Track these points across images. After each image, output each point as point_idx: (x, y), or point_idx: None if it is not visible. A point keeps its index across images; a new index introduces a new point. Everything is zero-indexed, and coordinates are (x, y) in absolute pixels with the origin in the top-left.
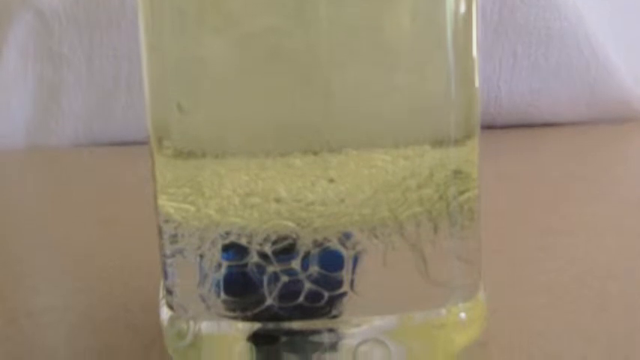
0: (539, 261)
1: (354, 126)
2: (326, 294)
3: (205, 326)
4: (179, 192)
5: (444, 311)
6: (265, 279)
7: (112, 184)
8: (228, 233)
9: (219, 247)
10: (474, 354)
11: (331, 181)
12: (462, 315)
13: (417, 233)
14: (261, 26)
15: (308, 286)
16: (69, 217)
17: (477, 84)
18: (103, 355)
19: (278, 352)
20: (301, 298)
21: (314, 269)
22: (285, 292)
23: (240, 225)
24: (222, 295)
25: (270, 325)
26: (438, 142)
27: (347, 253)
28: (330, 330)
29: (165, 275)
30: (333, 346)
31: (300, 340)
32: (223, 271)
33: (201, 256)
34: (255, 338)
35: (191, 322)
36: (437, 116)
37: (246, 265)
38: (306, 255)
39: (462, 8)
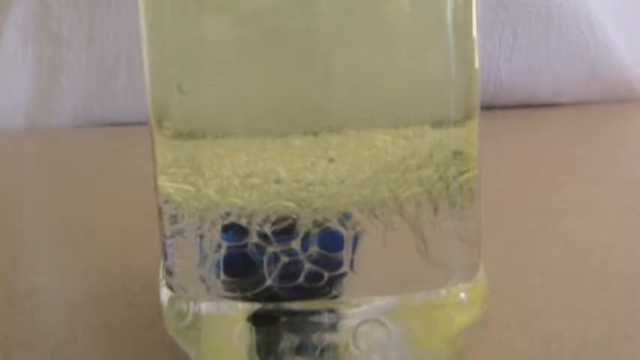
0: (539, 241)
1: (354, 106)
2: (326, 274)
3: (205, 307)
4: (179, 172)
5: (443, 292)
6: (265, 259)
7: (111, 165)
8: (228, 214)
9: (219, 227)
10: (473, 334)
11: (331, 161)
12: (462, 295)
13: (417, 213)
14: (262, 6)
15: (308, 266)
16: (69, 197)
17: (476, 64)
18: (103, 335)
19: (278, 332)
20: (301, 279)
21: (314, 249)
22: (284, 273)
23: (240, 205)
24: (222, 276)
25: (270, 306)
26: (438, 123)
27: (347, 234)
28: (330, 310)
29: (165, 256)
30: (333, 327)
31: (300, 321)
32: (223, 251)
33: (201, 237)
34: (255, 319)
35: (191, 303)
36: (437, 96)
37: (246, 245)
38: (306, 235)
39: None
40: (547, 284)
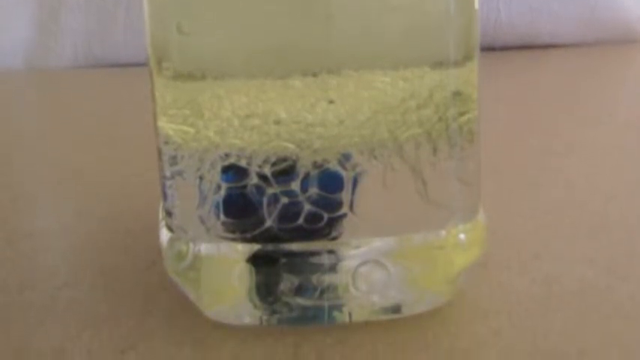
0: (538, 183)
1: (354, 47)
2: (325, 215)
3: (205, 248)
4: (179, 114)
5: (443, 233)
6: (265, 200)
7: (111, 106)
8: (227, 155)
9: (219, 168)
10: (473, 275)
11: (331, 102)
12: (462, 236)
13: (417, 154)
14: None
15: (307, 207)
16: (68, 138)
17: (476, 5)
18: (105, 276)
19: (277, 273)
20: (301, 220)
21: (313, 191)
22: (284, 214)
23: (239, 146)
24: (222, 217)
25: (270, 247)
26: (438, 64)
27: (346, 175)
28: (330, 251)
29: (165, 197)
30: (333, 268)
31: (300, 262)
32: (223, 192)
33: (201, 178)
34: (255, 260)
35: (191, 244)
36: (436, 37)
37: (245, 186)
38: (306, 176)
39: None
40: (547, 226)
